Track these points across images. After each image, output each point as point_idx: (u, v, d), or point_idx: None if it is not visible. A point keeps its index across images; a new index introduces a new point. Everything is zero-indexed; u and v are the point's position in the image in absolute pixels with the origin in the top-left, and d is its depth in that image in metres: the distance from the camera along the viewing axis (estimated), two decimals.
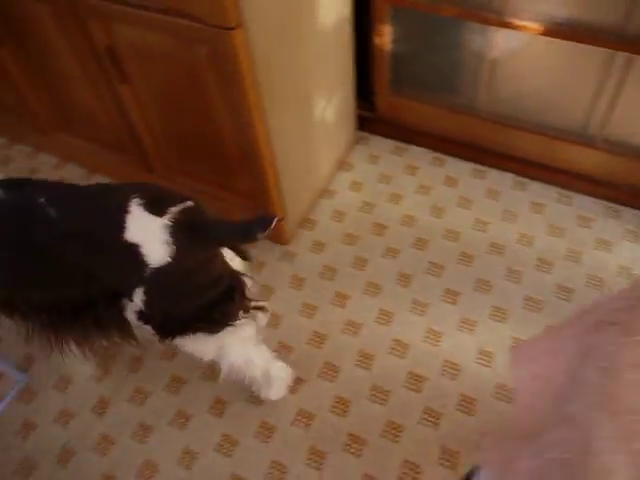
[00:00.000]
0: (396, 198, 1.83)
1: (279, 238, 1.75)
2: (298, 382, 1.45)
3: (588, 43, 1.44)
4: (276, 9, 1.26)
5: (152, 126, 1.63)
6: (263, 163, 1.46)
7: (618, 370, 0.49)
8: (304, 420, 1.39)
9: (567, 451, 0.46)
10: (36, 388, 1.53)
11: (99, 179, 2.06)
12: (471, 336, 1.50)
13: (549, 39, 1.48)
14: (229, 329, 1.16)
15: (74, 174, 2.10)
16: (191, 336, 1.14)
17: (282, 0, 1.27)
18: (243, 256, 1.24)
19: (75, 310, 1.13)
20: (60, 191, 1.10)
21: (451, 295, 1.58)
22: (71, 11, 1.39)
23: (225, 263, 1.16)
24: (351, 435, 1.36)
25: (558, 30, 1.45)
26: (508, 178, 1.84)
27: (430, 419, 1.36)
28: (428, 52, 1.73)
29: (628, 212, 1.73)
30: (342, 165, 1.94)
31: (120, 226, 1.00)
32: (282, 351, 1.51)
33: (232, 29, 1.13)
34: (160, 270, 1.01)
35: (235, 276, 1.17)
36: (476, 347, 1.47)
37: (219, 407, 1.43)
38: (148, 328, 1.12)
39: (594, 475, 0.44)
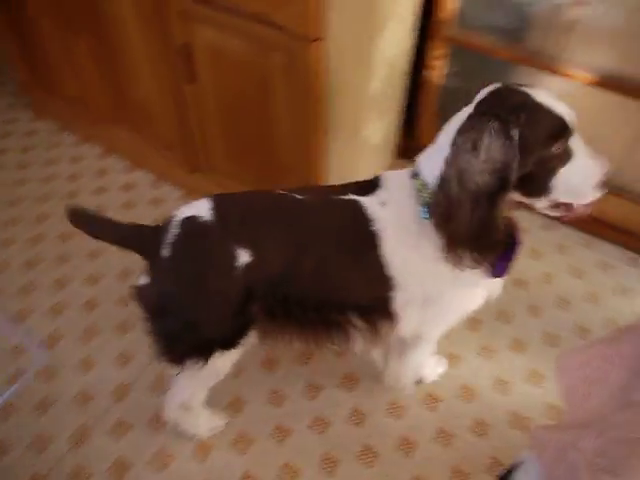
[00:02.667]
0: None
1: None
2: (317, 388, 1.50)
3: (632, 96, 1.53)
4: (353, 31, 1.35)
5: (208, 127, 1.71)
6: (314, 177, 1.54)
7: None
8: (320, 427, 1.43)
9: (633, 431, 0.51)
10: (57, 368, 1.57)
11: (141, 174, 2.14)
12: (489, 364, 1.55)
13: (592, 89, 1.57)
14: None
15: (116, 166, 2.18)
16: None
17: (359, 23, 1.37)
18: None
19: None
20: None
21: (473, 323, 1.63)
22: (156, 8, 1.49)
23: None
24: (365, 446, 1.39)
25: (608, 83, 1.55)
26: (537, 219, 1.92)
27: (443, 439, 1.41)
28: (476, 89, 1.82)
29: None
30: None
31: None
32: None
33: (314, 41, 1.21)
34: None
35: None
36: (494, 375, 1.53)
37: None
38: None
39: None
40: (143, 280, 1.05)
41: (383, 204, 1.02)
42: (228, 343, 1.10)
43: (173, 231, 1.01)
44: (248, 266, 0.99)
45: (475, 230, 0.90)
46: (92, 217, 1.10)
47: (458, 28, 1.72)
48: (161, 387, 1.50)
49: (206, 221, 1.00)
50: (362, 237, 1.01)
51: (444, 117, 1.92)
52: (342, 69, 1.40)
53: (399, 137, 2.03)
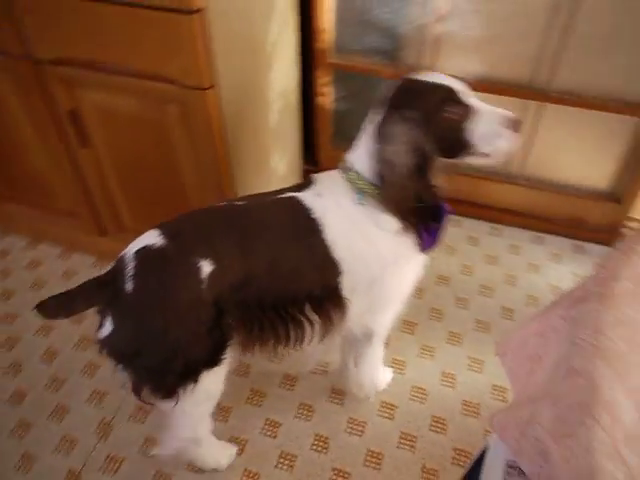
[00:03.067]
0: None
1: None
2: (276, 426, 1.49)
3: (505, 95, 1.69)
4: (242, 72, 1.39)
5: (110, 188, 1.67)
6: None
7: (603, 328, 0.62)
8: (287, 462, 1.42)
9: (579, 394, 0.57)
10: None
11: (45, 248, 2.03)
12: (432, 361, 1.61)
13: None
14: None
15: (17, 245, 2.06)
16: None
17: (246, 64, 1.41)
18: None
19: None
20: None
21: (408, 326, 1.70)
22: (35, 78, 1.44)
23: None
24: (335, 469, 1.40)
25: (480, 85, 1.69)
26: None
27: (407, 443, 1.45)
28: (366, 108, 1.92)
29: (550, 238, 1.96)
30: None
31: None
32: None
33: (206, 89, 1.24)
34: None
35: None
36: (439, 371, 1.59)
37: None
38: None
39: (603, 407, 0.56)
40: (106, 329, 1.00)
41: (319, 195, 1.10)
42: (211, 360, 1.08)
43: (130, 265, 0.98)
44: (212, 275, 0.99)
45: (420, 199, 1.03)
46: (57, 300, 1.04)
47: (338, 54, 1.82)
48: (112, 467, 1.42)
49: (160, 245, 0.99)
50: (305, 226, 1.08)
51: (341, 139, 2.03)
52: (238, 110, 1.43)
53: (303, 163, 2.09)
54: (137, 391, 1.07)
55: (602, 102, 1.65)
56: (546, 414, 0.59)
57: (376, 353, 1.39)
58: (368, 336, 1.30)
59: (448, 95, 1.01)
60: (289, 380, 1.58)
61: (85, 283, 1.04)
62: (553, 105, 1.70)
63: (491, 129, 1.03)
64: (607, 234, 1.90)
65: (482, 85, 1.71)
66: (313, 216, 1.08)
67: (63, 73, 1.40)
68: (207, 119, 1.30)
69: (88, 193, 1.71)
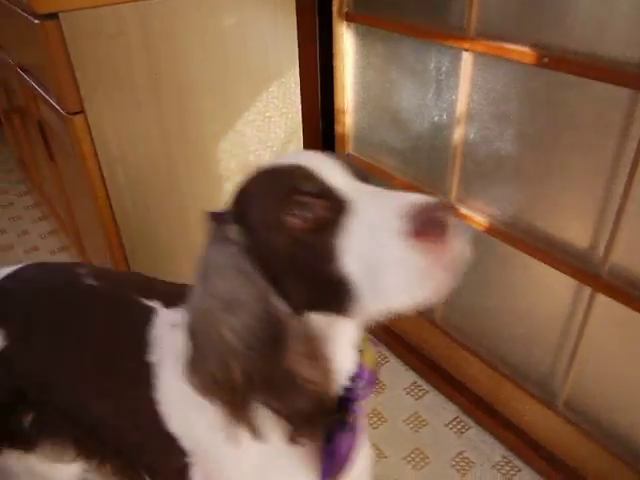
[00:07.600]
0: None
1: None
2: None
3: (556, 268, 1.07)
4: None
5: None
6: None
7: None
8: None
9: None
10: None
11: None
12: None
13: (489, 238, 1.15)
14: None
15: None
16: None
17: None
18: None
19: None
20: None
21: None
22: None
23: None
24: None
25: (501, 231, 1.12)
26: (448, 411, 1.38)
27: None
28: None
29: None
30: None
31: None
32: None
33: None
34: None
35: None
36: None
37: None
38: None
39: None
40: None
41: (175, 327, 0.71)
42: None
43: None
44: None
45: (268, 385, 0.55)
46: None
47: (357, 146, 1.43)
48: None
49: None
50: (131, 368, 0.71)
51: None
52: None
53: None
54: None
55: None
56: None
57: None
58: None
59: (295, 182, 0.51)
60: None
61: None
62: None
63: (383, 244, 0.47)
64: None
65: (505, 233, 1.12)
66: (147, 359, 0.68)
67: None
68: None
69: None
